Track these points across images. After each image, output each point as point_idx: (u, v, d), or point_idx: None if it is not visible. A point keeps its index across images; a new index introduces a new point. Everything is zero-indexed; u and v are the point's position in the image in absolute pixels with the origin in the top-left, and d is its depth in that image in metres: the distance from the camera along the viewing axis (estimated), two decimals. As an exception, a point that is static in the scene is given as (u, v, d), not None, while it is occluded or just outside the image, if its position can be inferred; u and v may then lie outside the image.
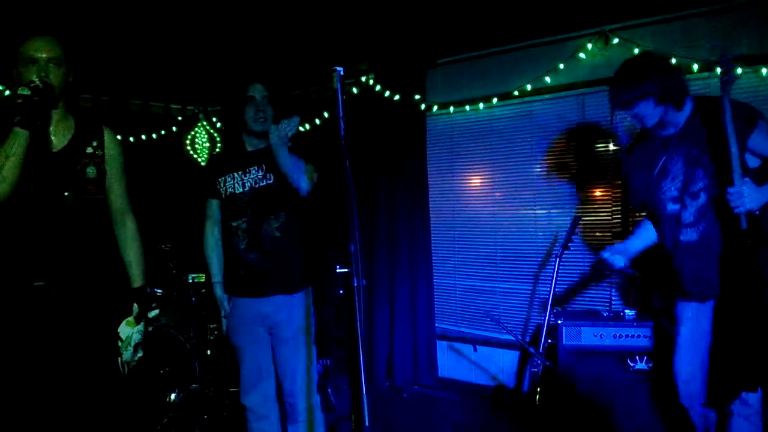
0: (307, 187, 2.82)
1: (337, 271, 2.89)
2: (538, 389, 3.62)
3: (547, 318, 3.70)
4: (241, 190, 2.88)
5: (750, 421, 2.60)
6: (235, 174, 2.89)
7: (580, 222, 3.89)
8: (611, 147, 4.27)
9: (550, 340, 3.69)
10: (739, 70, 3.12)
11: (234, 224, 2.88)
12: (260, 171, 2.88)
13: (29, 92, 2.11)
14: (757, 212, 2.38)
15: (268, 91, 2.89)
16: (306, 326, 2.95)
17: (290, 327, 2.90)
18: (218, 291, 3.01)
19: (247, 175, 2.89)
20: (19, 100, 2.10)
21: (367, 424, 1.75)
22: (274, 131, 2.72)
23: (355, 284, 1.87)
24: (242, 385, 2.99)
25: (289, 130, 2.71)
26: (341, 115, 2.03)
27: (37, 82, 2.13)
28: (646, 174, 2.75)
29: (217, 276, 3.02)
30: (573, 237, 3.79)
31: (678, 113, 2.62)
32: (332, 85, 2.02)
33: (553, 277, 3.75)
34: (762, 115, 2.53)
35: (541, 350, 3.66)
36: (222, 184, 2.91)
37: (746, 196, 2.36)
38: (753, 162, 2.54)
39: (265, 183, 2.87)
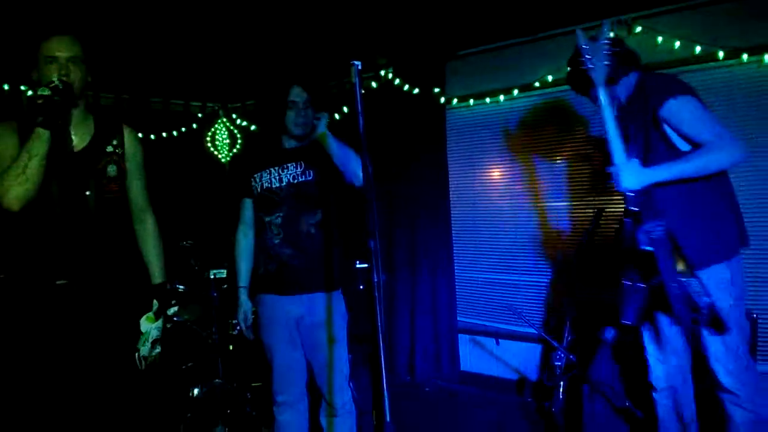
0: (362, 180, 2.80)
1: (357, 266, 2.88)
2: (562, 383, 3.59)
3: (570, 311, 3.66)
4: (277, 185, 2.86)
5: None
6: (272, 169, 2.88)
7: (604, 213, 3.83)
8: (634, 137, 4.19)
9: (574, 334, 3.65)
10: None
11: (267, 219, 2.87)
12: (299, 167, 2.87)
13: (50, 92, 2.12)
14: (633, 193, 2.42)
15: (309, 95, 2.88)
16: (340, 324, 2.95)
17: (325, 326, 2.89)
18: (243, 296, 3.01)
19: (285, 170, 2.88)
20: (40, 101, 2.11)
21: (388, 419, 1.74)
22: (323, 124, 2.73)
23: (376, 280, 1.85)
24: (274, 382, 3.00)
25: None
26: (360, 109, 2.00)
27: (57, 82, 2.14)
28: None
29: (243, 281, 3.02)
30: (597, 230, 3.73)
31: (617, 88, 2.65)
32: (350, 80, 1.98)
33: (576, 270, 3.70)
34: (682, 91, 2.48)
35: (564, 344, 3.62)
36: (257, 180, 2.90)
37: (621, 176, 2.42)
38: (684, 145, 2.50)
39: (304, 179, 2.86)
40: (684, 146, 2.50)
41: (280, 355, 2.96)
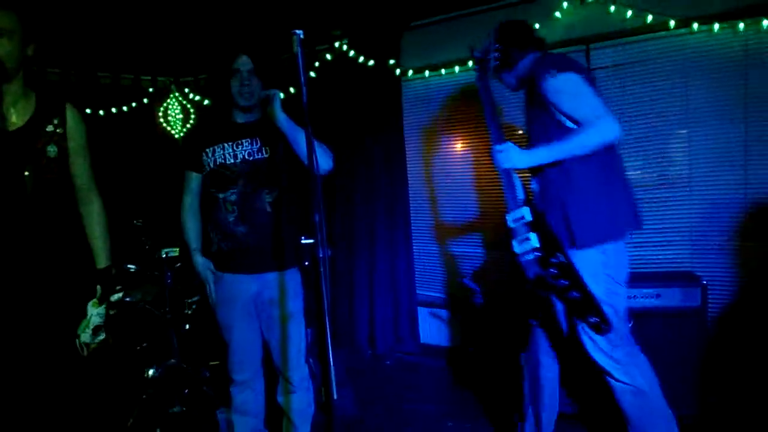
0: (329, 168, 2.73)
1: (302, 242, 2.83)
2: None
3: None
4: (232, 161, 2.77)
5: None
6: (226, 144, 2.78)
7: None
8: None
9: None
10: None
11: (221, 196, 2.78)
12: (255, 144, 2.79)
13: None
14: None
15: (254, 63, 2.77)
16: (295, 301, 2.91)
17: (281, 304, 2.84)
18: (198, 258, 2.90)
19: (239, 147, 2.78)
20: None
21: (335, 396, 1.72)
22: (277, 103, 2.63)
23: (321, 255, 1.81)
24: (230, 361, 2.95)
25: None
26: (303, 81, 1.93)
27: None
28: None
29: (194, 243, 2.92)
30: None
31: (512, 72, 2.82)
32: (307, 51, 1.91)
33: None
34: (564, 69, 2.49)
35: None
36: (209, 155, 2.80)
37: (499, 158, 2.63)
38: (572, 125, 2.51)
39: (260, 156, 2.78)
40: (572, 126, 2.50)
41: (237, 333, 2.91)
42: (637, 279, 3.45)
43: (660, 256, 4.03)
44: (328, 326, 1.76)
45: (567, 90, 2.47)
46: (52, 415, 2.36)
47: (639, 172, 4.11)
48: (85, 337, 2.34)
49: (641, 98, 4.04)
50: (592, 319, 2.46)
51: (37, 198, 2.26)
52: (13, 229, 2.23)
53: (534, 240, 2.57)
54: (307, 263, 2.94)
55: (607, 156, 2.50)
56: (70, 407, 2.38)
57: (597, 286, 2.49)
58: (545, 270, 2.53)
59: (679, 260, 3.98)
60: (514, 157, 2.59)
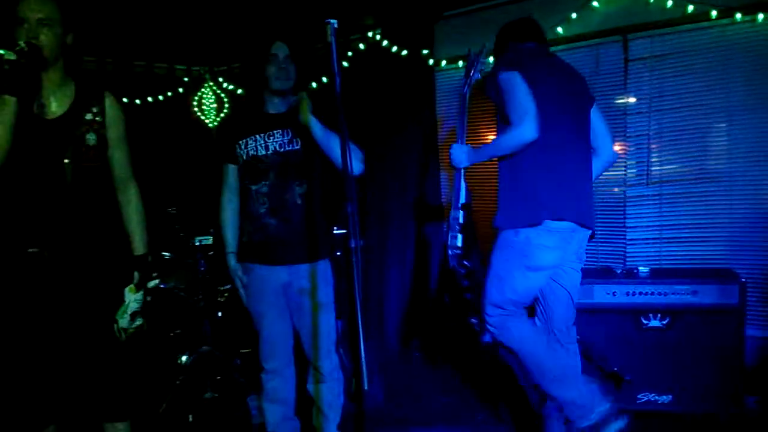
0: (359, 172, 2.72)
1: (335, 232, 2.85)
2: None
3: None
4: (263, 152, 2.78)
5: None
6: (258, 136, 2.79)
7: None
8: (627, 99, 4.13)
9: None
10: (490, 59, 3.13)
11: (254, 188, 2.79)
12: (286, 135, 2.79)
13: (15, 56, 2.03)
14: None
15: (291, 50, 2.78)
16: (326, 290, 2.91)
17: (312, 294, 2.85)
18: (232, 261, 2.95)
19: (271, 138, 2.79)
20: (6, 66, 2.02)
21: (366, 387, 1.72)
22: (311, 118, 2.63)
23: (353, 245, 1.80)
24: (261, 349, 2.98)
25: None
26: (336, 70, 1.93)
27: (23, 45, 2.05)
28: None
29: (231, 246, 2.96)
30: None
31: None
32: (341, 41, 1.91)
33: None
34: (508, 67, 2.57)
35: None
36: (242, 147, 2.80)
37: (451, 156, 2.89)
38: None
39: (291, 148, 2.78)
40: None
41: (268, 322, 2.93)
42: (672, 275, 3.40)
43: (698, 253, 3.95)
44: (359, 316, 1.75)
45: (505, 89, 2.57)
46: (91, 397, 2.42)
47: (676, 166, 4.03)
48: (123, 322, 2.38)
49: (679, 91, 3.95)
50: (473, 320, 2.92)
51: (77, 185, 2.29)
52: (54, 216, 2.26)
53: (459, 240, 2.98)
54: (338, 253, 2.95)
55: (541, 152, 2.58)
56: (108, 390, 2.42)
57: (500, 264, 2.72)
58: (459, 267, 2.98)
59: (717, 257, 3.89)
60: (457, 156, 2.87)
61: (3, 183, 2.19)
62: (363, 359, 1.72)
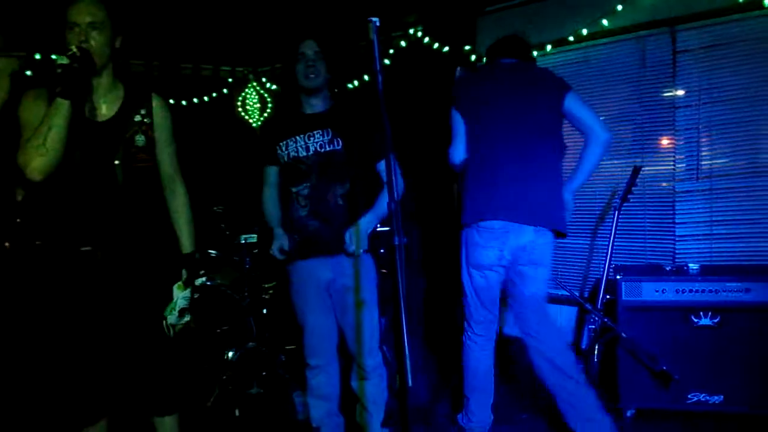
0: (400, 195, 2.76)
1: (378, 230, 2.85)
2: (596, 346, 3.53)
3: (605, 273, 3.58)
4: (304, 153, 2.79)
5: None
6: (298, 137, 2.80)
7: (642, 172, 3.70)
8: (676, 92, 4.03)
9: (608, 296, 3.57)
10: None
11: (294, 190, 2.81)
12: (326, 135, 2.79)
13: (68, 60, 2.08)
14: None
15: (321, 47, 2.79)
16: (369, 287, 2.92)
17: (355, 291, 2.86)
18: (278, 230, 2.90)
19: (311, 139, 2.79)
20: (59, 70, 2.08)
21: (410, 383, 1.71)
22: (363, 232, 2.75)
23: (397, 243, 1.80)
24: (305, 346, 3.00)
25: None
26: (378, 68, 1.93)
27: (75, 50, 2.10)
28: None
29: (275, 222, 2.93)
30: (633, 189, 3.62)
31: None
32: (382, 38, 1.91)
33: (611, 230, 3.61)
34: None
35: (599, 306, 3.54)
36: (283, 149, 2.83)
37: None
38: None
39: (331, 148, 2.78)
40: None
41: (312, 318, 2.96)
42: (723, 272, 3.31)
43: (750, 249, 3.83)
44: (403, 313, 1.75)
45: None
46: (140, 392, 2.48)
47: (727, 160, 3.91)
48: (172, 318, 2.43)
49: (729, 82, 3.84)
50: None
51: (128, 186, 2.34)
52: (106, 216, 2.32)
53: None
54: (382, 251, 2.95)
55: (473, 163, 2.97)
56: (157, 385, 2.49)
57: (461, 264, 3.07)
58: None
59: (770, 253, 3.78)
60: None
61: (57, 184, 2.25)
62: (407, 356, 1.72)
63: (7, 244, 3.56)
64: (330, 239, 2.80)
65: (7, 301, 3.37)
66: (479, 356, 3.12)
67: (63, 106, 2.11)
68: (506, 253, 2.88)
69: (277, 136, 2.86)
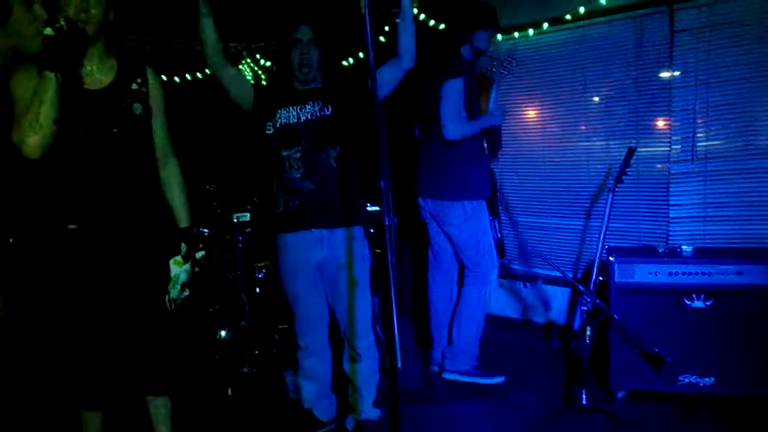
0: (409, 66, 3.03)
1: (368, 209, 2.83)
2: (588, 327, 3.52)
3: (598, 254, 3.56)
4: (295, 120, 2.82)
5: None
6: (291, 107, 2.84)
7: (637, 154, 3.67)
8: (673, 72, 4.00)
9: (601, 278, 3.56)
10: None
11: (286, 154, 2.82)
12: (317, 105, 2.84)
13: (54, 33, 2.04)
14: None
15: (315, 34, 2.83)
16: (362, 266, 2.93)
17: (348, 269, 2.87)
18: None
19: (303, 110, 2.84)
20: (45, 42, 2.04)
21: (399, 365, 1.70)
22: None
23: (387, 223, 1.78)
24: (297, 328, 3.01)
25: None
26: (370, 44, 1.89)
27: (62, 23, 2.05)
28: None
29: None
30: (627, 170, 3.59)
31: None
32: (377, 15, 1.87)
33: (606, 212, 3.59)
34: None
35: (591, 287, 3.53)
36: (276, 116, 2.84)
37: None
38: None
39: (322, 114, 2.83)
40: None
41: (303, 301, 2.95)
42: (716, 254, 3.30)
43: (744, 231, 3.82)
44: (393, 294, 1.74)
45: None
46: (135, 371, 2.49)
47: (722, 141, 3.89)
48: (174, 293, 2.44)
49: (727, 63, 3.79)
50: None
51: (126, 155, 2.33)
52: (105, 185, 2.30)
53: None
54: (372, 231, 2.94)
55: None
56: (152, 364, 2.49)
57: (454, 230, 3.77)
58: None
59: (764, 236, 3.76)
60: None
61: (54, 156, 2.21)
62: (396, 336, 1.70)
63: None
64: (326, 202, 2.82)
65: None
66: None
67: (50, 79, 2.07)
68: (426, 216, 3.92)
69: (272, 104, 2.87)
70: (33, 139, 2.10)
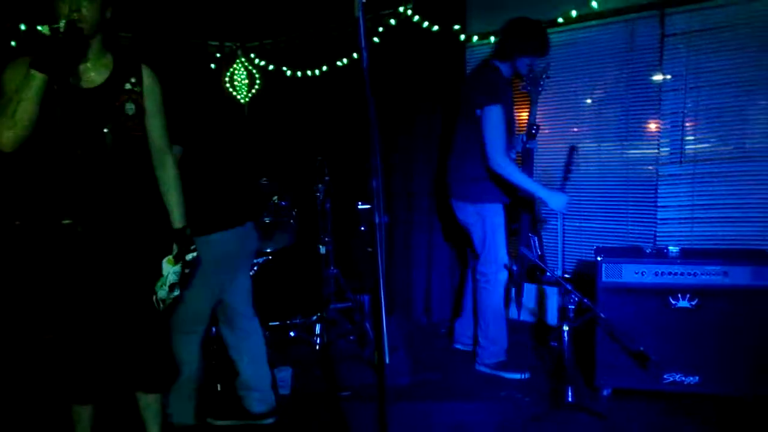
0: None
1: (359, 207, 2.84)
2: (574, 325, 3.56)
3: (560, 253, 3.65)
4: None
5: None
6: None
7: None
8: (663, 76, 4.05)
9: (587, 277, 3.61)
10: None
11: None
12: None
13: (49, 33, 2.05)
14: None
15: None
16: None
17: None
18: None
19: None
20: (38, 40, 2.04)
21: (387, 361, 1.74)
22: None
23: (377, 221, 1.82)
24: (232, 311, 3.18)
25: None
26: (363, 45, 1.92)
27: (61, 26, 2.05)
28: None
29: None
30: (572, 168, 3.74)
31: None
32: (371, 16, 1.90)
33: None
34: None
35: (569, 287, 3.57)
36: None
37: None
38: None
39: None
40: None
41: (239, 282, 3.17)
42: (702, 255, 3.35)
43: (730, 233, 3.89)
44: (382, 292, 1.77)
45: None
46: (126, 367, 2.51)
47: (710, 144, 3.95)
48: (162, 293, 2.44)
49: (716, 67, 3.86)
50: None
51: (117, 154, 2.32)
52: (97, 183, 2.31)
53: None
54: (363, 228, 2.97)
55: None
56: (143, 360, 2.51)
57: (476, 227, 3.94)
58: None
59: (750, 238, 3.83)
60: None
61: (43, 155, 2.23)
62: (385, 334, 1.74)
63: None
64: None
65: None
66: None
67: (35, 79, 2.06)
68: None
69: None
70: (5, 135, 2.11)
